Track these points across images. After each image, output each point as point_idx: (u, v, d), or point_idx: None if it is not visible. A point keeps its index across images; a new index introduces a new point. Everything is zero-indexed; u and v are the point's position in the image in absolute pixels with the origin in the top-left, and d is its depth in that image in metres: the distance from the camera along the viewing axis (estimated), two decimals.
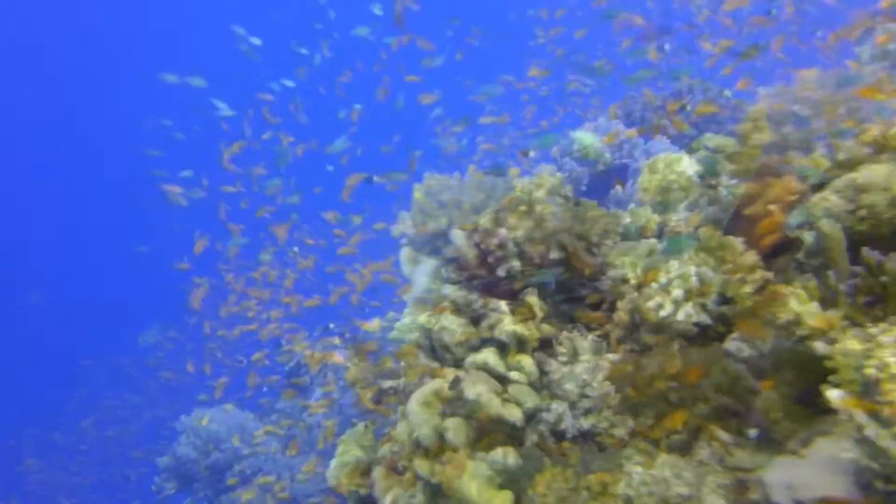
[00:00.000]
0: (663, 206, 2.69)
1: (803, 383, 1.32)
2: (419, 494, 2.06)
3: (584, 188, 3.44)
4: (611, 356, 2.06)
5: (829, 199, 1.17)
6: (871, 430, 0.98)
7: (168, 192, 3.01)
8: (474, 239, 2.15)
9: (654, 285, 2.05)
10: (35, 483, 11.76)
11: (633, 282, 2.12)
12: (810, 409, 1.27)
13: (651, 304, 2.04)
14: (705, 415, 1.58)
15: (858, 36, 2.41)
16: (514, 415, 1.94)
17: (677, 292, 2.01)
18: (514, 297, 2.13)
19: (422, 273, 2.27)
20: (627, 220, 2.80)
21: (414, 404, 2.09)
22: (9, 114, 20.61)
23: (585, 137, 2.52)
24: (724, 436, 1.52)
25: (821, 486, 1.02)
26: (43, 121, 21.93)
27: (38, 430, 13.09)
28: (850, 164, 1.28)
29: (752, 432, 1.39)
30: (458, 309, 2.14)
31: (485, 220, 2.13)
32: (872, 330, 1.13)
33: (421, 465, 2.06)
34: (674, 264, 2.07)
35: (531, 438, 2.00)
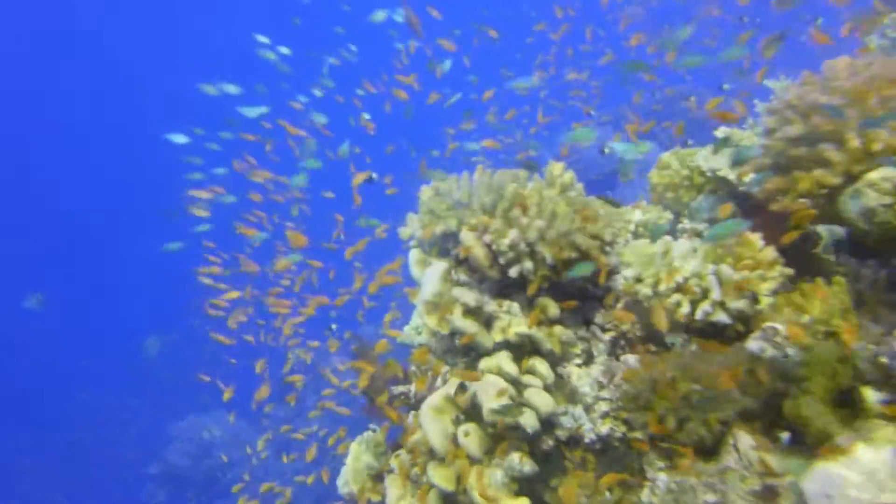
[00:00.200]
0: (676, 203, 2.63)
1: (836, 385, 1.26)
2: (433, 503, 2.01)
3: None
4: (628, 357, 2.01)
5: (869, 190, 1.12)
6: None
7: (197, 196, 2.95)
8: (485, 240, 2.10)
9: (670, 284, 2.00)
10: (30, 484, 11.75)
11: (648, 280, 2.06)
12: (845, 412, 1.22)
13: (669, 303, 1.99)
14: (731, 418, 1.53)
15: (874, 27, 2.36)
16: (530, 420, 1.88)
17: (695, 290, 1.96)
18: (526, 298, 2.08)
19: (431, 275, 2.22)
20: (639, 217, 2.75)
21: (426, 410, 2.04)
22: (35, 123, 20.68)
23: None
24: (750, 440, 1.47)
25: (864, 498, 0.96)
26: (45, 123, 21.95)
27: (36, 431, 13.08)
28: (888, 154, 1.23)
29: (785, 436, 1.33)
30: (469, 311, 2.09)
31: (496, 221, 2.07)
32: None
33: (434, 473, 2.01)
34: (691, 262, 2.02)
35: (547, 444, 1.95)
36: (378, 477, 2.50)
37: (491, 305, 2.09)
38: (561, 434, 1.95)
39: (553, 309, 2.09)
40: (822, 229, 2.13)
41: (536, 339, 2.05)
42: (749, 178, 1.91)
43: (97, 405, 13.19)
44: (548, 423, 1.96)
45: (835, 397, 1.27)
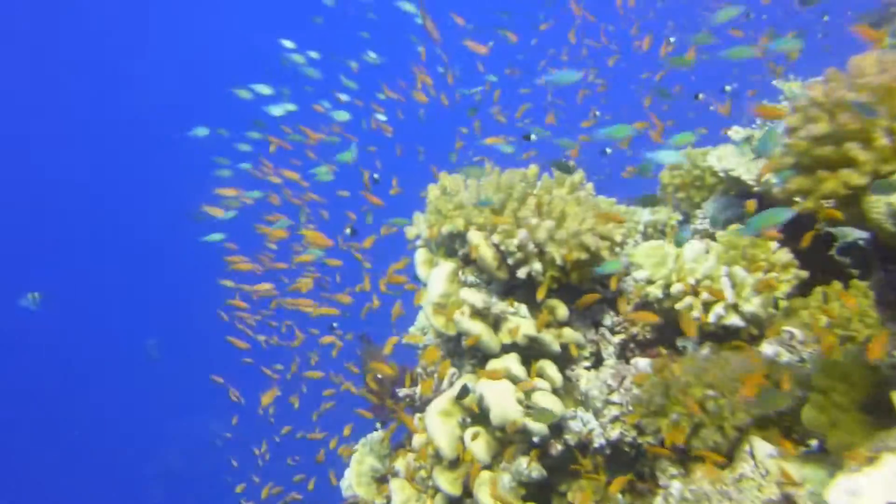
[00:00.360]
0: (687, 203, 2.59)
1: (859, 391, 1.23)
2: None
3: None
4: (639, 361, 1.97)
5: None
6: None
7: (222, 195, 2.89)
8: (493, 240, 2.06)
9: (682, 286, 1.96)
10: (31, 484, 11.76)
11: (659, 282, 2.03)
12: (870, 420, 1.18)
13: (680, 305, 1.95)
14: (746, 425, 1.49)
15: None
16: (538, 425, 1.85)
17: (707, 293, 1.92)
18: (535, 300, 2.04)
19: (438, 275, 2.18)
20: (648, 217, 2.71)
21: (433, 413, 2.00)
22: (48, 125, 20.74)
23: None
24: (768, 447, 1.43)
25: None
26: (49, 125, 22.00)
27: (36, 431, 13.10)
28: None
29: (814, 443, 1.29)
30: (477, 312, 2.05)
31: (504, 221, 2.04)
32: None
33: (441, 477, 1.98)
34: (703, 264, 1.98)
35: (556, 448, 1.92)
36: (382, 479, 2.47)
37: (499, 306, 2.05)
38: (570, 438, 1.91)
39: (562, 310, 2.05)
40: (836, 231, 2.09)
41: (544, 342, 2.01)
42: (766, 178, 1.87)
43: (97, 405, 13.20)
44: (556, 428, 1.92)
45: (858, 404, 1.23)
